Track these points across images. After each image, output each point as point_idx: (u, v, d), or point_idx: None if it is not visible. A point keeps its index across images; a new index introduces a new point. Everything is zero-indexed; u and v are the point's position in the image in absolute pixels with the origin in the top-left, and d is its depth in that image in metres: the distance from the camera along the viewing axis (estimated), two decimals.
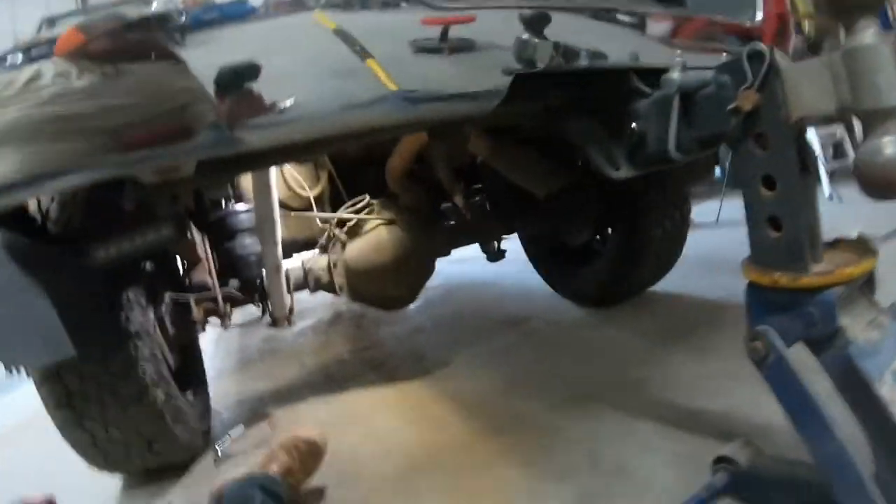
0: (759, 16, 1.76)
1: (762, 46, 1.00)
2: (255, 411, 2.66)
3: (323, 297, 2.99)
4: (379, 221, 2.60)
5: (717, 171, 5.54)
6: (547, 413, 2.14)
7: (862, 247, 1.11)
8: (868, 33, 0.92)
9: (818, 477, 1.36)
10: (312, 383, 2.92)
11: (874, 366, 1.02)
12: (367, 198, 2.69)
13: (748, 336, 1.12)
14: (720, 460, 1.51)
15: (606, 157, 1.43)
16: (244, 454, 2.22)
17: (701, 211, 4.81)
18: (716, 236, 4.43)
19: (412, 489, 1.79)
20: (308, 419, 2.43)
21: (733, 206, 5.21)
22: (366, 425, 2.30)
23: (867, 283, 1.11)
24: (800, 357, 1.08)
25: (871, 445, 1.03)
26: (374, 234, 2.59)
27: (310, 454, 1.89)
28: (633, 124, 1.33)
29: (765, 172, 1.06)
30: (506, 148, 2.49)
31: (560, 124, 1.56)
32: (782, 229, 1.07)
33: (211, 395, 2.74)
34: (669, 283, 3.28)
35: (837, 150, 6.11)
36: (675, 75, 1.22)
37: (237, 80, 1.14)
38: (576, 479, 1.70)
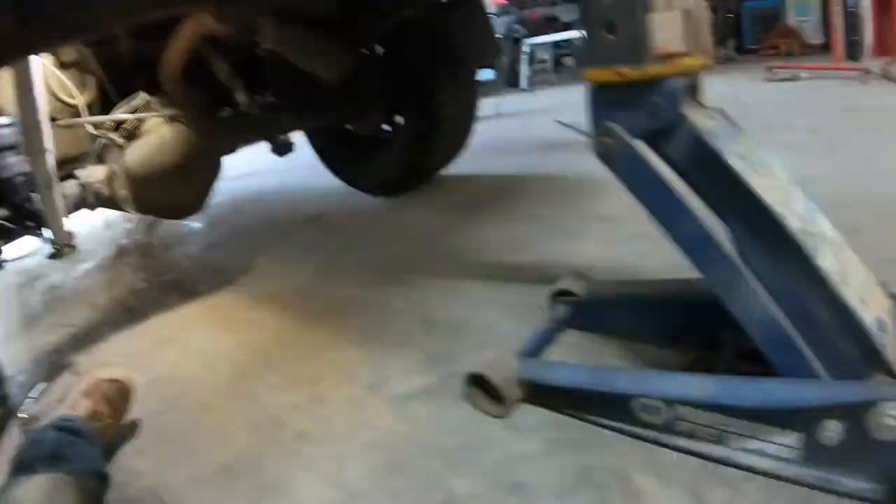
0: None
1: None
2: (54, 364, 2.40)
3: (102, 235, 2.73)
4: (160, 119, 2.39)
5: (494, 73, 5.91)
6: (367, 293, 2.13)
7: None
8: None
9: (649, 291, 1.46)
10: (111, 321, 2.61)
11: (719, 142, 1.10)
12: (144, 94, 2.45)
13: (595, 133, 1.17)
14: (558, 294, 1.56)
15: None
16: (51, 411, 2.00)
17: (482, 106, 5.01)
18: (498, 126, 4.61)
19: (249, 392, 1.68)
20: (114, 357, 2.18)
21: (509, 102, 5.53)
22: (180, 346, 2.13)
23: (694, 89, 1.18)
24: None
25: (725, 216, 1.12)
26: (156, 134, 2.37)
27: (116, 393, 1.69)
28: None
29: None
30: (293, 31, 2.38)
31: None
32: (618, 31, 1.12)
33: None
34: (459, 168, 3.37)
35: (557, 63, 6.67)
36: None
37: None
38: (415, 344, 1.72)
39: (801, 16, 7.75)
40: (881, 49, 5.86)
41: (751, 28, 8.28)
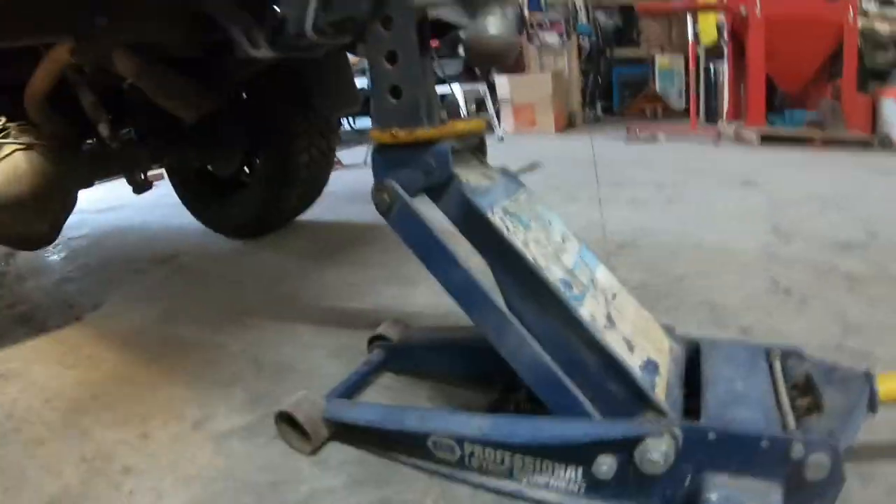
0: None
1: None
2: None
3: None
4: (15, 147, 2.36)
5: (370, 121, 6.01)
6: (206, 333, 2.18)
7: (472, 118, 1.32)
8: None
9: (457, 335, 1.56)
10: None
11: (486, 201, 1.22)
12: (3, 120, 2.41)
13: (375, 189, 1.27)
14: (374, 339, 1.65)
15: (248, 37, 1.49)
16: None
17: (351, 154, 5.12)
18: (364, 174, 4.72)
19: (82, 428, 1.70)
20: None
21: None
22: (21, 380, 2.11)
23: (479, 149, 1.31)
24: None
25: (493, 272, 1.22)
26: (10, 161, 2.31)
27: None
28: (276, 8, 1.42)
29: (389, 49, 1.22)
30: (154, 68, 2.40)
31: (206, 5, 1.58)
32: (402, 96, 1.23)
33: None
34: (319, 213, 3.49)
35: (479, 106, 6.83)
36: None
37: None
38: (243, 384, 1.77)
39: (666, 83, 8.26)
40: (735, 113, 6.30)
41: (620, 92, 8.74)
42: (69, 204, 2.58)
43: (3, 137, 2.35)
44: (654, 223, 2.89)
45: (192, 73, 2.53)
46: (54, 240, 2.63)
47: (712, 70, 7.04)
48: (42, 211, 2.43)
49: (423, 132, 1.21)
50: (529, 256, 1.17)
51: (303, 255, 2.95)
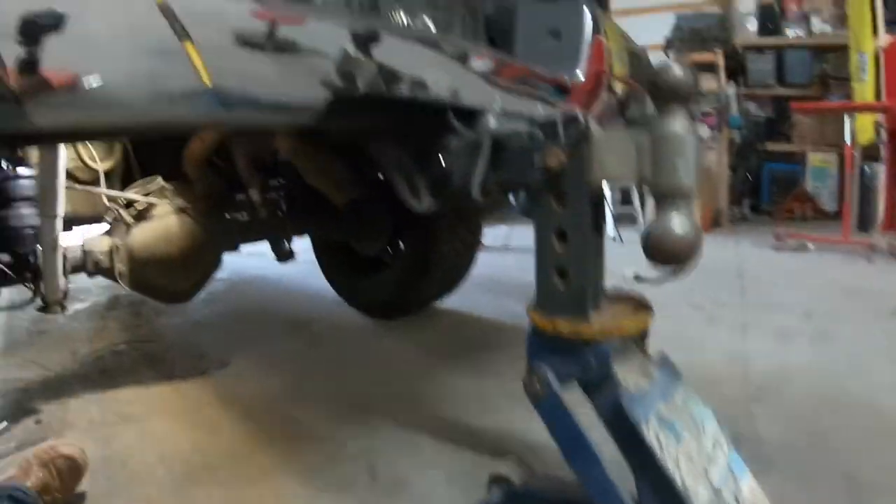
0: (580, 75, 1.88)
1: (579, 113, 1.08)
2: (20, 405, 2.40)
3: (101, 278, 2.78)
4: (170, 207, 2.46)
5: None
6: (326, 423, 2.16)
7: (639, 302, 1.22)
8: (678, 121, 1.03)
9: (579, 495, 1.49)
10: (85, 376, 2.69)
11: (641, 410, 1.13)
12: (160, 180, 2.52)
13: (527, 372, 1.21)
14: (495, 479, 1.60)
15: (410, 187, 1.47)
16: (7, 455, 1.99)
17: (491, 234, 5.09)
18: (504, 259, 4.69)
19: (189, 499, 1.72)
20: (78, 418, 2.26)
21: (522, 232, 5.59)
22: (140, 427, 2.18)
23: (641, 338, 1.23)
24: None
25: (636, 481, 1.14)
26: (164, 222, 2.43)
27: (68, 470, 1.72)
28: (442, 159, 1.39)
29: (559, 226, 1.16)
30: (308, 149, 2.47)
31: (369, 146, 1.58)
32: (568, 279, 1.17)
33: None
34: (456, 301, 3.44)
35: (625, 197, 6.74)
36: (491, 120, 1.28)
37: (35, 29, 0.92)
38: (355, 493, 1.74)
39: (818, 181, 7.82)
40: (890, 223, 5.87)
41: (769, 188, 8.35)
42: (213, 266, 2.68)
43: (159, 196, 2.46)
44: (799, 361, 2.71)
45: (344, 157, 2.58)
46: (193, 297, 2.72)
47: (868, 172, 6.63)
48: (187, 272, 2.53)
49: (587, 329, 1.14)
50: (678, 479, 1.08)
51: (432, 350, 2.91)
